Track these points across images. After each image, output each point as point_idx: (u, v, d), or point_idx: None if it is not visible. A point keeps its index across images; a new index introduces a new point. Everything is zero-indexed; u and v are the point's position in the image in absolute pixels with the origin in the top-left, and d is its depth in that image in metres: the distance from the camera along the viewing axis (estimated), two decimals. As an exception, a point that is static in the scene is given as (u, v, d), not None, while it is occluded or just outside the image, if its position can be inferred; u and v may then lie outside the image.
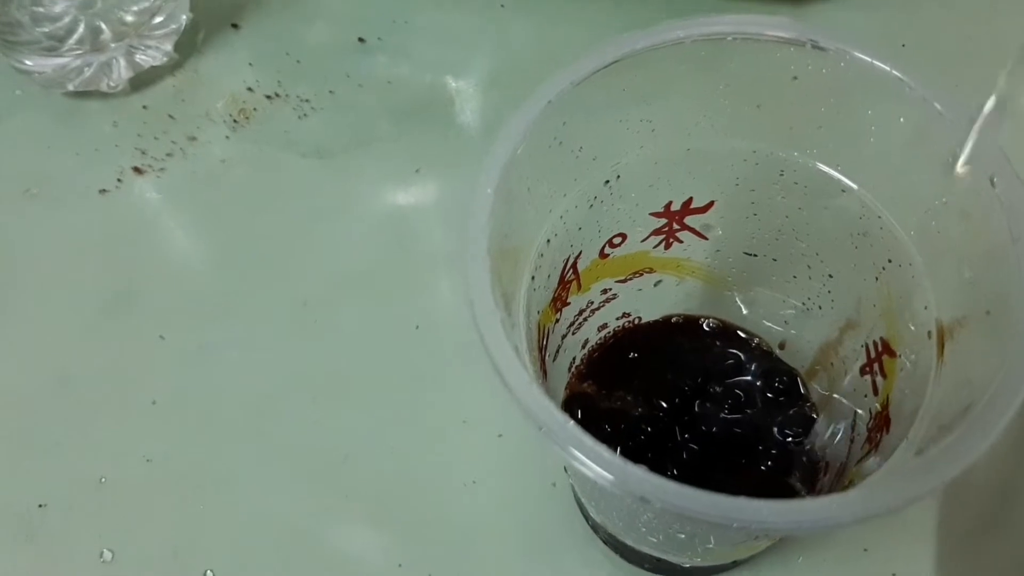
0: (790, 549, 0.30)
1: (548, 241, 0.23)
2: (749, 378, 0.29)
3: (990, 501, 0.31)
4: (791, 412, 0.29)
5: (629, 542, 0.27)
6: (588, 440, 0.17)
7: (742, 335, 0.30)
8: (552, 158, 0.22)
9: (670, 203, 0.26)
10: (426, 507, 0.32)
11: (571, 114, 0.22)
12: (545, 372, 0.25)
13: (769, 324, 0.29)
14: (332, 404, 0.33)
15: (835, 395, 0.27)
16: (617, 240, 0.26)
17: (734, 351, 0.30)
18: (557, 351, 0.27)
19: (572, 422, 0.18)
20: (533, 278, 0.23)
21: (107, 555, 0.31)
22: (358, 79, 0.40)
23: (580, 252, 0.25)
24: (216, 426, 0.33)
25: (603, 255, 0.27)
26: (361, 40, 0.41)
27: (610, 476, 0.17)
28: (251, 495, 0.32)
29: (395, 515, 0.31)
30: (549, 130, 0.21)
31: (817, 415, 0.28)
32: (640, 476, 0.17)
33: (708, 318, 0.30)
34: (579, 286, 0.27)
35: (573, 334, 0.28)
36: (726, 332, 0.30)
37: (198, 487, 0.32)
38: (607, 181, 0.24)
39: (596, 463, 0.17)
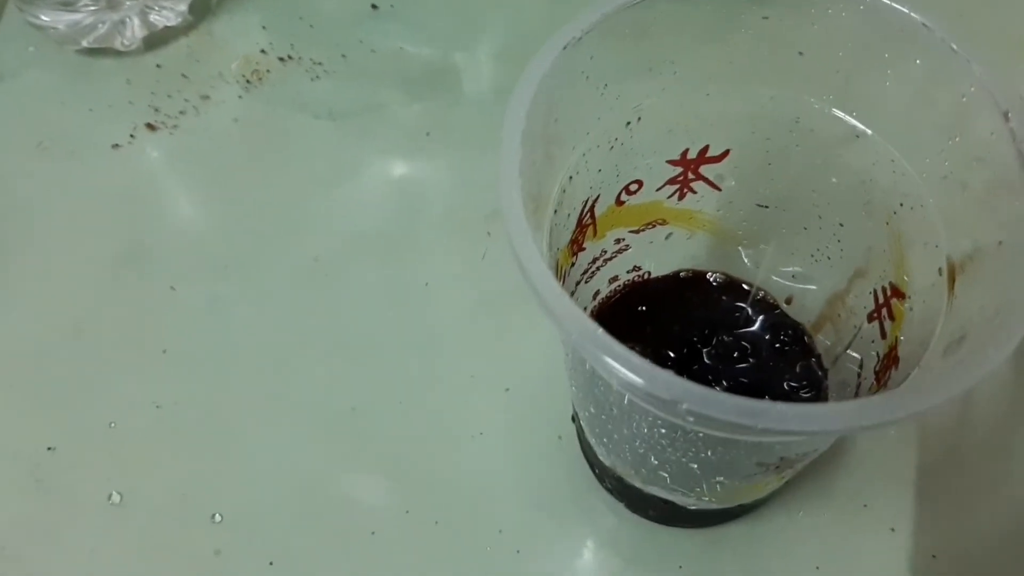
0: (791, 503, 0.31)
1: (571, 178, 0.24)
2: (756, 330, 0.30)
3: (987, 460, 0.32)
4: (797, 365, 0.29)
5: (637, 483, 0.27)
6: (618, 347, 0.18)
7: (749, 290, 0.31)
8: (579, 91, 0.23)
9: (687, 151, 0.26)
10: (434, 458, 0.32)
11: (598, 49, 0.22)
12: (561, 313, 0.26)
13: (776, 279, 0.30)
14: (341, 357, 0.34)
15: (840, 346, 0.28)
16: (633, 187, 0.27)
17: (741, 305, 0.30)
18: (571, 296, 0.28)
19: (602, 329, 0.18)
20: (555, 212, 0.23)
21: (115, 497, 0.31)
22: (371, 45, 0.40)
23: (598, 196, 0.26)
24: (225, 375, 0.33)
25: (619, 202, 0.27)
26: (374, 7, 0.41)
27: (640, 380, 0.18)
28: (259, 442, 0.32)
29: (403, 465, 0.32)
30: (578, 62, 0.22)
31: (823, 367, 0.29)
32: (669, 379, 0.17)
33: (716, 272, 0.31)
34: (595, 231, 0.27)
35: (586, 282, 0.29)
36: (733, 287, 0.31)
37: (207, 434, 0.32)
38: (628, 123, 0.25)
39: (626, 367, 0.18)
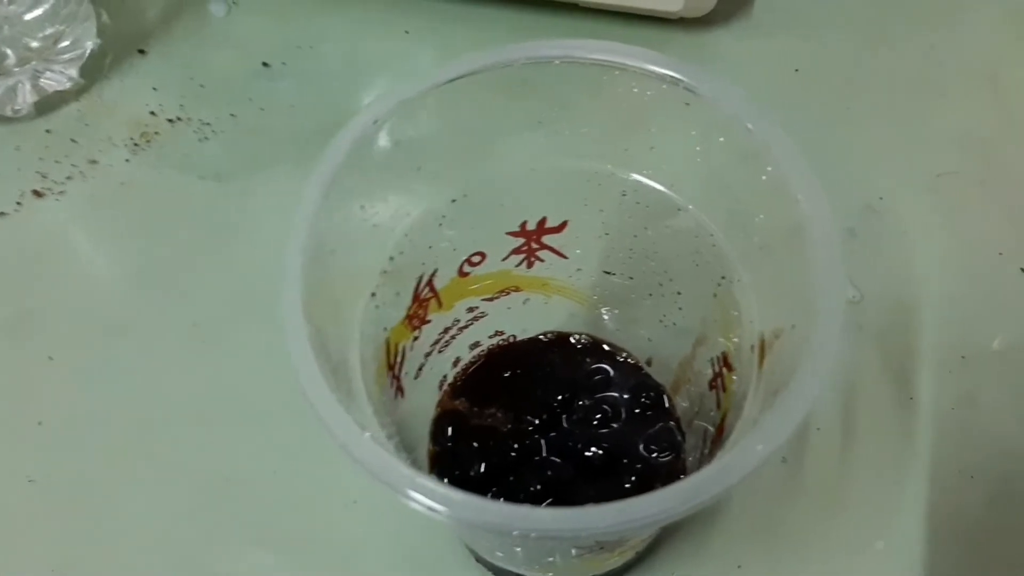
0: (665, 564, 0.31)
1: (392, 258, 0.24)
2: (617, 394, 0.29)
3: (863, 518, 0.31)
4: (656, 428, 0.29)
5: (487, 558, 0.27)
6: (381, 455, 0.18)
7: (612, 351, 0.30)
8: (388, 176, 0.23)
9: (525, 222, 0.26)
10: (307, 527, 0.32)
11: (404, 132, 0.22)
12: (401, 389, 0.26)
13: (636, 341, 0.30)
14: (216, 426, 0.33)
15: (693, 410, 0.28)
16: (476, 259, 0.27)
17: (604, 367, 0.30)
18: (420, 369, 0.28)
19: (369, 434, 0.18)
20: (374, 295, 0.23)
21: (-15, 575, 0.31)
22: (260, 103, 0.40)
23: (435, 270, 0.26)
24: (101, 447, 0.33)
25: (463, 273, 0.27)
26: (265, 65, 0.41)
27: (403, 488, 0.17)
28: (134, 516, 0.32)
29: (276, 535, 0.32)
30: (380, 148, 0.22)
31: (681, 430, 0.29)
32: (429, 486, 0.17)
33: (580, 335, 0.31)
34: (439, 304, 0.27)
35: (440, 352, 0.29)
36: (596, 349, 0.30)
37: (81, 508, 0.32)
38: (454, 200, 0.25)
39: (389, 478, 0.17)
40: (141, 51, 0.42)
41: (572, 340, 0.31)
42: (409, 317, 0.26)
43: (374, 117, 0.21)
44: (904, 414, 0.33)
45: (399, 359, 0.26)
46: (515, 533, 0.17)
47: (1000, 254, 0.36)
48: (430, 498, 0.17)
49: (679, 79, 0.22)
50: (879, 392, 0.33)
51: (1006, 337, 0.35)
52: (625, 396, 0.29)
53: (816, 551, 0.31)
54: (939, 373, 0.34)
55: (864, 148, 0.39)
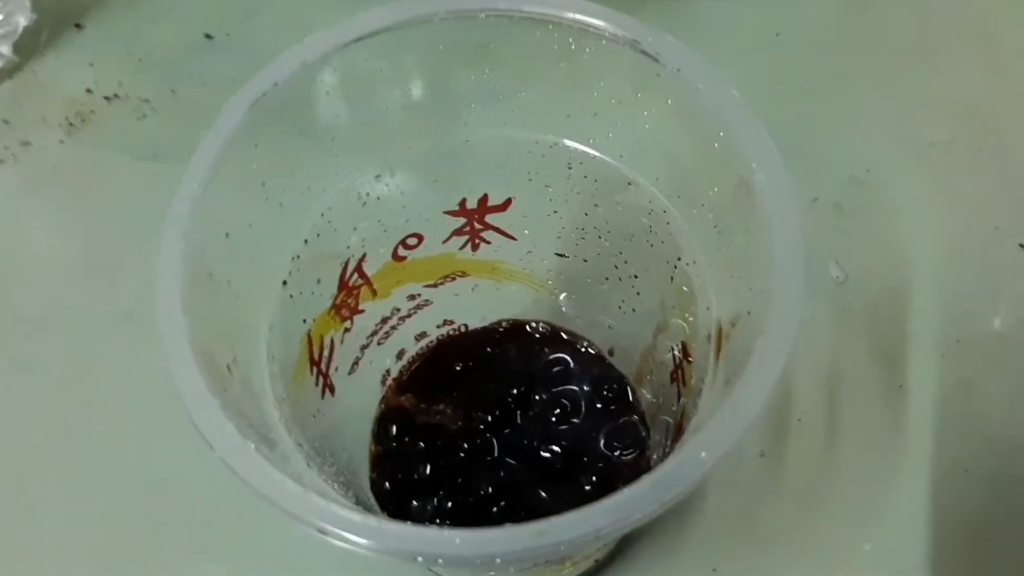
0: (636, 567, 0.28)
1: (306, 241, 0.21)
2: (577, 386, 0.27)
3: (852, 516, 0.29)
4: (619, 422, 0.27)
5: (433, 568, 0.25)
6: (268, 471, 0.15)
7: (571, 340, 0.28)
8: (295, 148, 0.20)
9: (464, 200, 0.24)
10: (249, 534, 0.29)
11: (311, 98, 0.20)
12: (331, 387, 0.23)
13: (597, 328, 0.27)
14: (150, 426, 0.31)
15: (657, 403, 0.25)
16: (412, 241, 0.24)
17: (563, 357, 0.28)
18: (355, 363, 0.25)
19: (254, 446, 0.15)
20: (285, 283, 0.21)
21: (-102, 588, 0.29)
22: (202, 78, 0.38)
23: (364, 255, 0.23)
24: (26, 450, 0.31)
25: (398, 257, 0.24)
26: (208, 37, 0.39)
27: (290, 510, 0.15)
28: (61, 524, 0.30)
29: (215, 543, 0.29)
30: (284, 116, 0.19)
31: (646, 425, 0.26)
32: (320, 507, 0.15)
33: (538, 323, 0.28)
34: (373, 291, 0.25)
35: (379, 344, 0.26)
36: (555, 337, 0.28)
37: (5, 513, 0.30)
38: (378, 175, 0.22)
39: (275, 496, 0.15)
40: (78, 25, 0.39)
41: (529, 329, 0.28)
42: (336, 307, 0.23)
43: (274, 80, 0.19)
44: (894, 404, 0.31)
45: (326, 353, 0.23)
46: (419, 560, 0.14)
47: (997, 229, 0.33)
48: (321, 519, 0.15)
49: (619, 34, 0.19)
50: (866, 380, 0.31)
51: (1005, 318, 0.32)
52: (586, 388, 0.27)
53: (798, 554, 0.29)
54: (932, 359, 0.31)
55: (850, 117, 0.37)
